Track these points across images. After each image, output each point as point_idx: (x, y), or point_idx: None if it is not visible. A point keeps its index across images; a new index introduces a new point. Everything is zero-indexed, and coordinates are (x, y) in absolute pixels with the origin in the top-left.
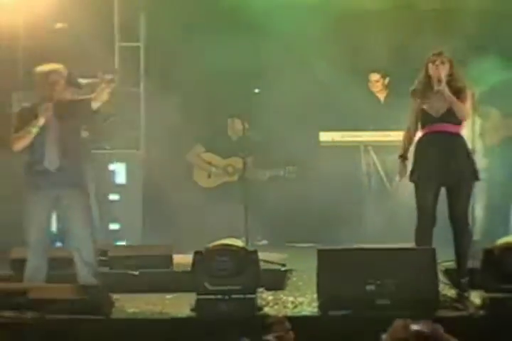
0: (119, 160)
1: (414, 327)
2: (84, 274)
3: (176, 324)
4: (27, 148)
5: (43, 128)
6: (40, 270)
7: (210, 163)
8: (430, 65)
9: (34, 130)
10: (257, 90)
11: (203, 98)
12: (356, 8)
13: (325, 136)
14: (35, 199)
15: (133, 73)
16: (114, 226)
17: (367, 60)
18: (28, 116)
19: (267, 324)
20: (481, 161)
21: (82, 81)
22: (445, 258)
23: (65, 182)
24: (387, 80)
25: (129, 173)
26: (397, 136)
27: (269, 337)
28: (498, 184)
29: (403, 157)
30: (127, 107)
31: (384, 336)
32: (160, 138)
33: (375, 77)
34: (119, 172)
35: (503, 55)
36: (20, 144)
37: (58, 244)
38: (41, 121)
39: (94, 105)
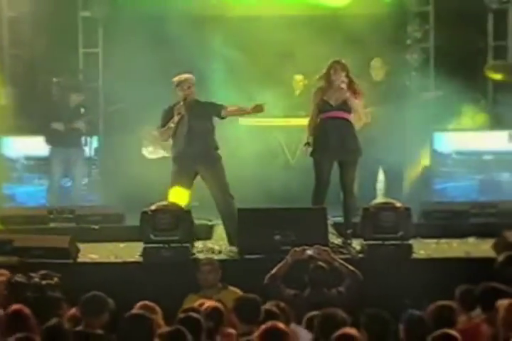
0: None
1: (309, 251)
2: None
3: (127, 266)
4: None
5: (182, 123)
6: None
7: (155, 139)
8: (332, 71)
9: (172, 125)
10: None
11: (149, 90)
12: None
13: (244, 121)
14: (184, 173)
15: (93, 72)
16: None
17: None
18: (168, 114)
19: (200, 264)
20: None
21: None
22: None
23: (201, 161)
24: (307, 81)
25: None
26: (302, 121)
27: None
28: (366, 158)
29: (308, 144)
30: (89, 98)
31: (288, 257)
32: (116, 122)
33: (299, 77)
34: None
35: None
36: (165, 136)
37: None
38: (176, 118)
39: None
